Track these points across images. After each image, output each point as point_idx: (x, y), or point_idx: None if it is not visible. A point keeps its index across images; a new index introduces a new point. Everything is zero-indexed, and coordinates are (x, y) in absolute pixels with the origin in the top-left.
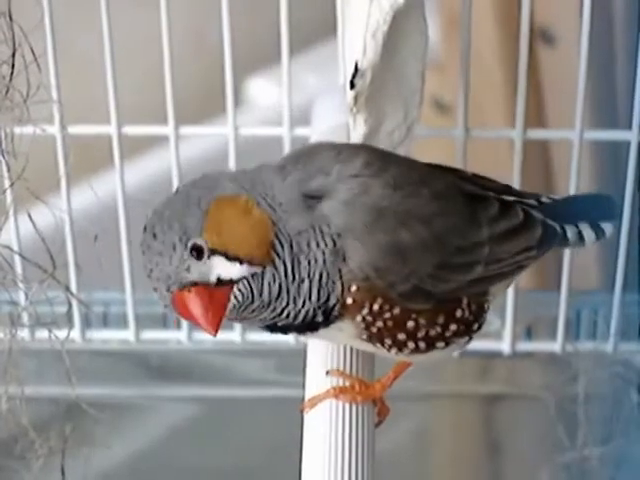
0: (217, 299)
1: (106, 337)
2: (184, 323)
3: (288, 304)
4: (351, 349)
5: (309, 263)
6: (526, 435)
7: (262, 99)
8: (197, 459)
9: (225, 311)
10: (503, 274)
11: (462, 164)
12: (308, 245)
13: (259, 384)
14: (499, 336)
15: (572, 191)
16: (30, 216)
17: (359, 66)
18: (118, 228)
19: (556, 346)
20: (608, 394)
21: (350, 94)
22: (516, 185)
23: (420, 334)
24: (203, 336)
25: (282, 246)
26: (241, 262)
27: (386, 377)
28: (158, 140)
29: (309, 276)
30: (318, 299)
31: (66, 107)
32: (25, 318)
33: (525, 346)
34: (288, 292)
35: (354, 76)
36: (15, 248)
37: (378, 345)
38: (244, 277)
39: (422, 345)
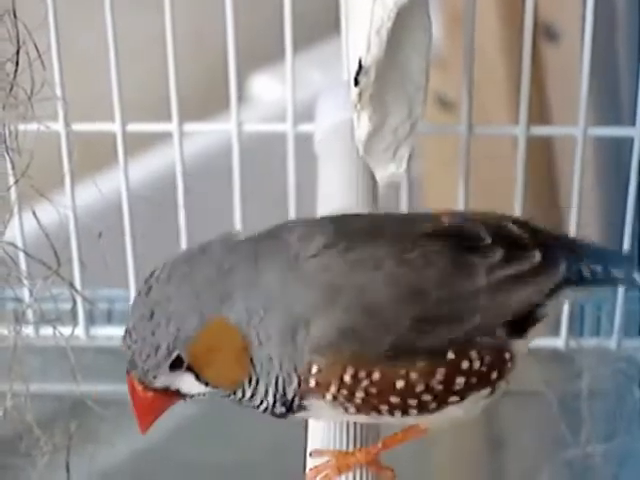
0: (159, 404)
1: (110, 334)
2: None
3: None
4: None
5: (268, 374)
6: (529, 432)
7: (265, 96)
8: (200, 455)
9: (160, 414)
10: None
11: (466, 161)
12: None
13: None
14: None
15: (576, 188)
16: (34, 213)
17: (363, 63)
18: (122, 225)
19: (559, 342)
20: (611, 391)
21: (354, 91)
22: (519, 182)
23: (419, 390)
24: None
25: (251, 376)
26: (207, 385)
27: (381, 442)
28: (162, 137)
29: (267, 384)
30: (274, 396)
31: (70, 105)
32: (29, 315)
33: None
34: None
35: (358, 73)
36: (19, 245)
37: (374, 414)
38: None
39: (431, 403)
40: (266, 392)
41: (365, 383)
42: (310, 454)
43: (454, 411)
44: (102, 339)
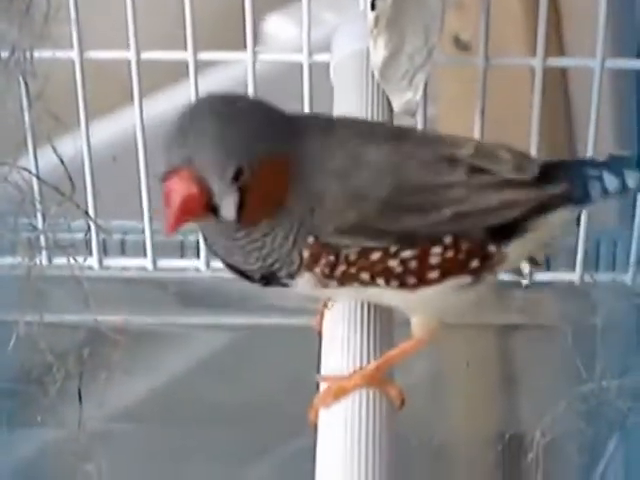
0: (198, 209)
1: (124, 264)
2: (202, 251)
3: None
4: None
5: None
6: (543, 366)
7: (281, 36)
8: (216, 388)
9: (191, 220)
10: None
11: (482, 95)
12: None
13: (279, 312)
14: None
15: (593, 120)
16: (50, 139)
17: None
18: (137, 157)
19: (574, 277)
20: (626, 325)
21: (371, 16)
22: (535, 115)
23: (393, 264)
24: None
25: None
26: (239, 215)
27: (377, 362)
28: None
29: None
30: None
31: (85, 36)
32: (43, 242)
33: (543, 276)
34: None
35: None
36: (33, 171)
37: (357, 285)
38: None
39: (408, 276)
40: (270, 252)
41: (343, 260)
42: (318, 381)
43: (437, 295)
44: (116, 269)
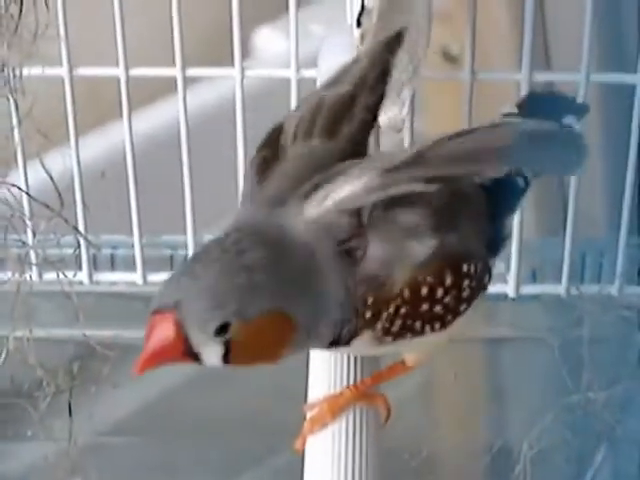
0: (173, 354)
1: (114, 279)
2: None
3: None
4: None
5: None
6: (530, 378)
7: (269, 50)
8: (205, 400)
9: (164, 364)
10: None
11: (469, 109)
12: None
13: None
14: (504, 279)
15: None
16: (39, 156)
17: (366, 4)
18: (126, 171)
19: (560, 289)
20: (613, 337)
21: (357, 32)
22: None
23: (440, 294)
24: None
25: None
26: (227, 363)
27: (367, 379)
28: (168, 92)
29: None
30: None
31: (74, 53)
32: (33, 258)
33: (530, 289)
34: None
35: (361, 14)
36: (23, 188)
37: (410, 336)
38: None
39: (455, 305)
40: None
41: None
42: (305, 410)
43: (462, 322)
44: (105, 284)
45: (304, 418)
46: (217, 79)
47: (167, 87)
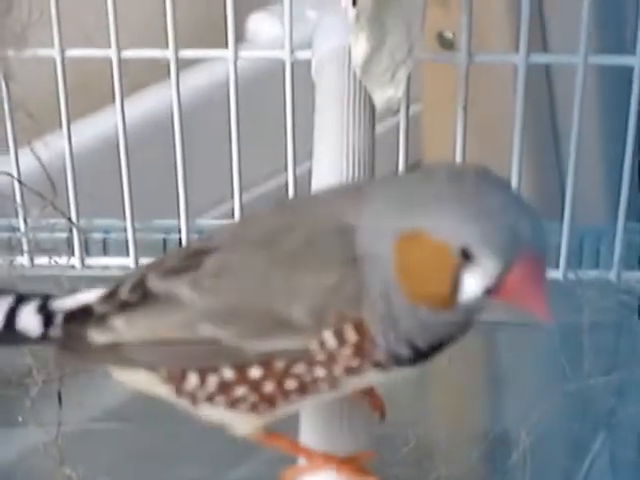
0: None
1: (106, 263)
2: None
3: None
4: None
5: None
6: (528, 364)
7: (263, 35)
8: None
9: None
10: None
11: (464, 92)
12: None
13: None
14: None
15: (576, 119)
16: (30, 144)
17: None
18: (119, 155)
19: (558, 274)
20: (611, 323)
21: (352, 11)
22: (519, 113)
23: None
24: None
25: None
26: None
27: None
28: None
29: None
30: None
31: (66, 38)
32: (24, 244)
33: None
34: None
35: None
36: (15, 175)
37: None
38: None
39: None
40: None
41: None
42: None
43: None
44: (98, 269)
45: None
46: (210, 64)
47: (160, 75)
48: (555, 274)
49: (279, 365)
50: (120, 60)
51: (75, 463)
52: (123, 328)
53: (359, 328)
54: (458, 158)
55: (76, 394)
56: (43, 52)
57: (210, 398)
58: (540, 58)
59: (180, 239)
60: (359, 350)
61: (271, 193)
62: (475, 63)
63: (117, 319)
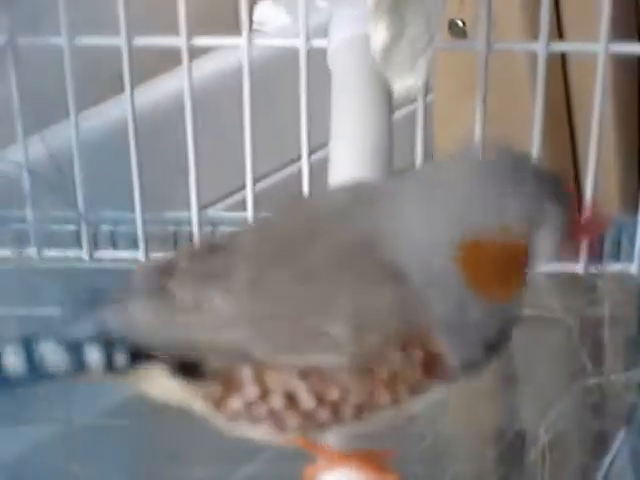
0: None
1: (115, 256)
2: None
3: None
4: None
5: None
6: (548, 360)
7: (269, 25)
8: None
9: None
10: None
11: (483, 80)
12: None
13: None
14: None
15: (596, 109)
16: (41, 135)
17: None
18: (128, 146)
19: (579, 267)
20: (633, 317)
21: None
22: (539, 104)
23: None
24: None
25: None
26: None
27: None
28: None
29: None
30: None
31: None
32: (33, 236)
33: (547, 267)
34: None
35: None
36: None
37: None
38: None
39: None
40: None
41: None
42: None
43: None
44: (106, 261)
45: None
46: (219, 54)
47: (168, 64)
48: (576, 267)
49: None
50: (131, 49)
51: (83, 460)
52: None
53: (423, 343)
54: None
55: (84, 389)
56: (51, 40)
57: (255, 420)
58: (560, 46)
59: (191, 231)
60: (425, 367)
61: (284, 183)
62: (494, 51)
63: None
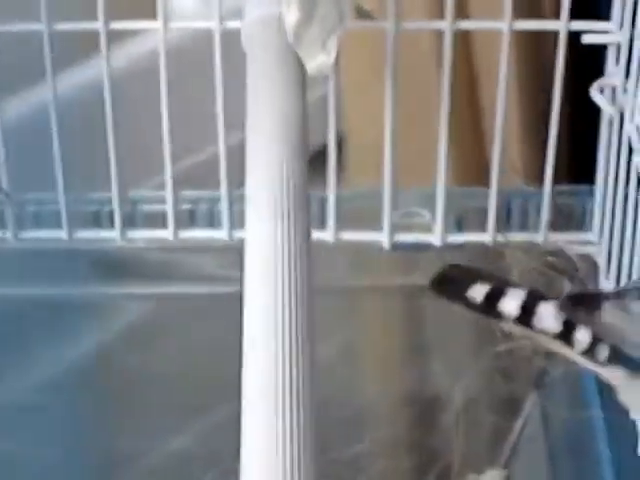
0: None
1: (39, 236)
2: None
3: None
4: None
5: None
6: (458, 327)
7: (185, 10)
8: (139, 358)
9: None
10: None
11: (392, 60)
12: None
13: (197, 280)
14: (429, 228)
15: (502, 84)
16: None
17: None
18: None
19: (487, 237)
20: (540, 284)
21: None
22: (446, 82)
23: None
24: (137, 234)
25: None
26: None
27: None
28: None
29: None
30: None
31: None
32: None
33: (456, 238)
34: None
35: None
36: None
37: None
38: None
39: None
40: None
41: None
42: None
43: None
44: (31, 241)
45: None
46: (137, 38)
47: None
48: (483, 237)
49: None
50: (51, 34)
51: (19, 434)
52: None
53: None
54: (386, 128)
55: (17, 365)
56: None
57: None
58: (466, 24)
59: (112, 211)
60: None
61: (203, 163)
62: (402, 31)
63: None
